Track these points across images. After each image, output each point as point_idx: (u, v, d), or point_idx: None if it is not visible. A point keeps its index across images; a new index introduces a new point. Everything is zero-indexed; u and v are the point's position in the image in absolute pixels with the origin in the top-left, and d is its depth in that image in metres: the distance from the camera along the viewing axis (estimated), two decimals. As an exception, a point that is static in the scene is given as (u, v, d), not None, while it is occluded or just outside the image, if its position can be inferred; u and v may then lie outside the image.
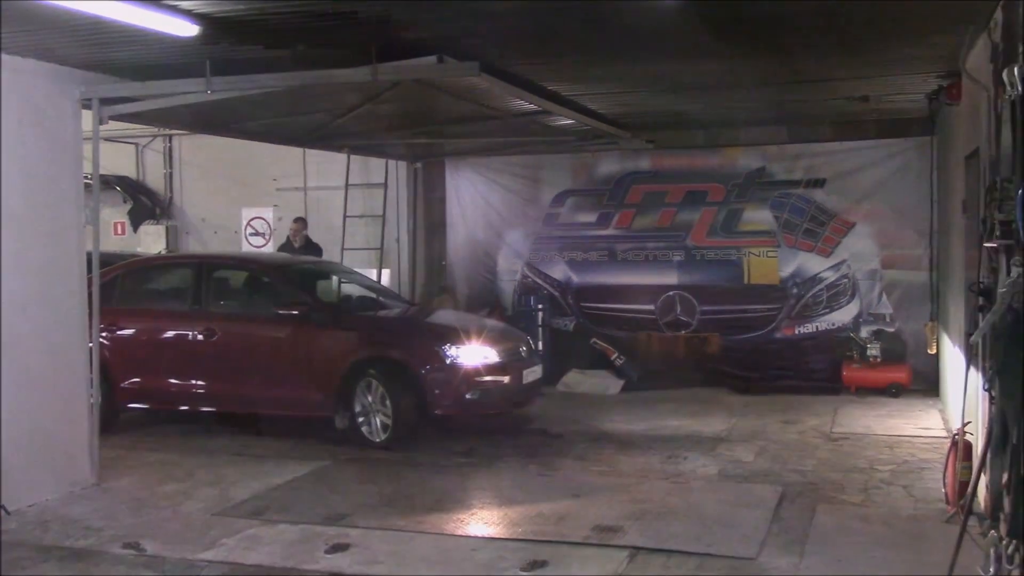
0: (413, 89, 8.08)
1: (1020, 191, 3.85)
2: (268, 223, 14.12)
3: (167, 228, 14.59)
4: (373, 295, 10.59)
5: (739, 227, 12.43)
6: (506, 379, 9.06)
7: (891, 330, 11.69)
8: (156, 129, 13.44)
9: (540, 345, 11.88)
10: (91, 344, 7.71)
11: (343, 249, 13.20)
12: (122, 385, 9.52)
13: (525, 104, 8.82)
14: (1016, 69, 4.63)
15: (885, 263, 11.82)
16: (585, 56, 7.68)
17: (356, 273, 11.40)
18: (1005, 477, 5.02)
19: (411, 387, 8.79)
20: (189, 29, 6.06)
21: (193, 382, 9.51)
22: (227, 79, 7.25)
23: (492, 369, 8.99)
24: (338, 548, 6.10)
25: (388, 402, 8.76)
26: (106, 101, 7.69)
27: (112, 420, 9.43)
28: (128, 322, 9.71)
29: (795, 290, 12.18)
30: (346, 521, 6.69)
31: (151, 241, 14.41)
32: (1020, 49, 4.90)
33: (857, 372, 11.40)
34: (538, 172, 13.34)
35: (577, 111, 9.66)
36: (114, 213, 14.44)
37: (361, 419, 8.88)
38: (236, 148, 12.68)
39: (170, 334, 9.66)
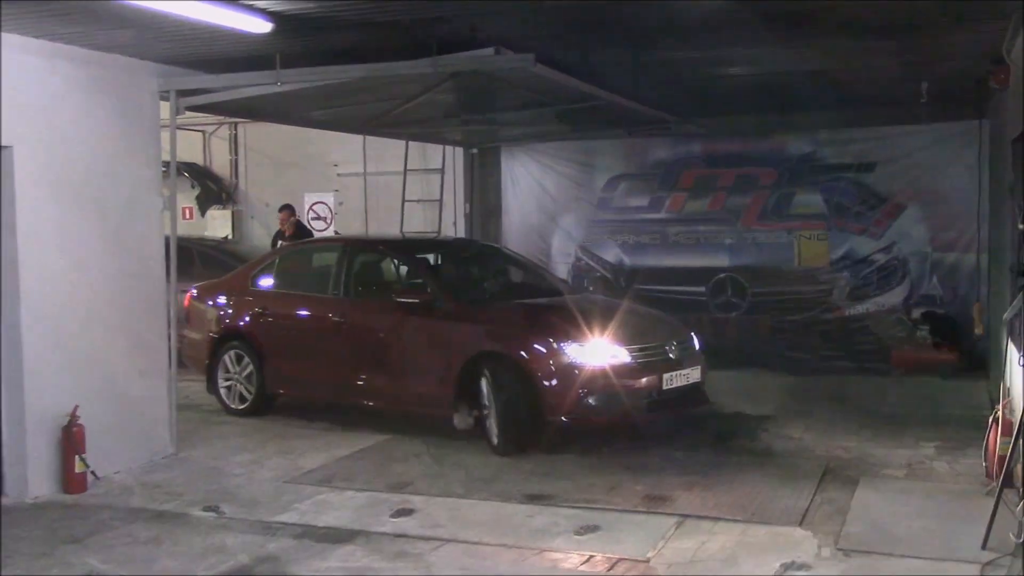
0: (471, 79, 8.40)
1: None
2: (330, 208, 14.58)
3: (232, 213, 15.13)
4: (531, 281, 10.07)
5: (790, 211, 12.62)
6: (638, 383, 7.92)
7: (941, 312, 11.81)
8: (222, 117, 13.95)
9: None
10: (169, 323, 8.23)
11: (401, 232, 13.58)
12: (270, 370, 9.43)
13: (579, 92, 9.10)
14: (1050, 58, 4.83)
15: (935, 245, 11.94)
16: (637, 44, 7.94)
17: (520, 258, 10.90)
18: (1037, 449, 5.26)
19: (524, 387, 7.91)
20: (263, 26, 6.46)
21: (328, 372, 9.15)
22: (296, 71, 7.64)
23: (621, 371, 7.86)
24: (402, 513, 6.51)
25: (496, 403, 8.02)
26: (182, 93, 8.15)
27: (267, 406, 9.60)
28: (277, 307, 9.59)
29: (846, 272, 12.34)
30: (409, 489, 7.10)
31: (218, 226, 14.95)
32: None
33: (907, 353, 11.55)
34: (591, 157, 13.63)
35: (629, 98, 9.90)
36: (182, 198, 14.94)
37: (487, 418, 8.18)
38: (298, 135, 13.12)
39: (309, 321, 9.39)
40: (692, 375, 8.40)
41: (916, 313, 11.88)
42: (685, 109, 11.23)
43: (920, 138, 11.88)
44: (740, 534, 5.99)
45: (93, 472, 7.16)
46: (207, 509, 6.68)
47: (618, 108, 9.90)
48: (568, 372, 7.81)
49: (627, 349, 7.99)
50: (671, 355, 8.27)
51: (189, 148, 15.01)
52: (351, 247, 9.60)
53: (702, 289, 12.95)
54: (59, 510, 6.69)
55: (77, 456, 7.03)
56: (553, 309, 8.74)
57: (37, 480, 6.97)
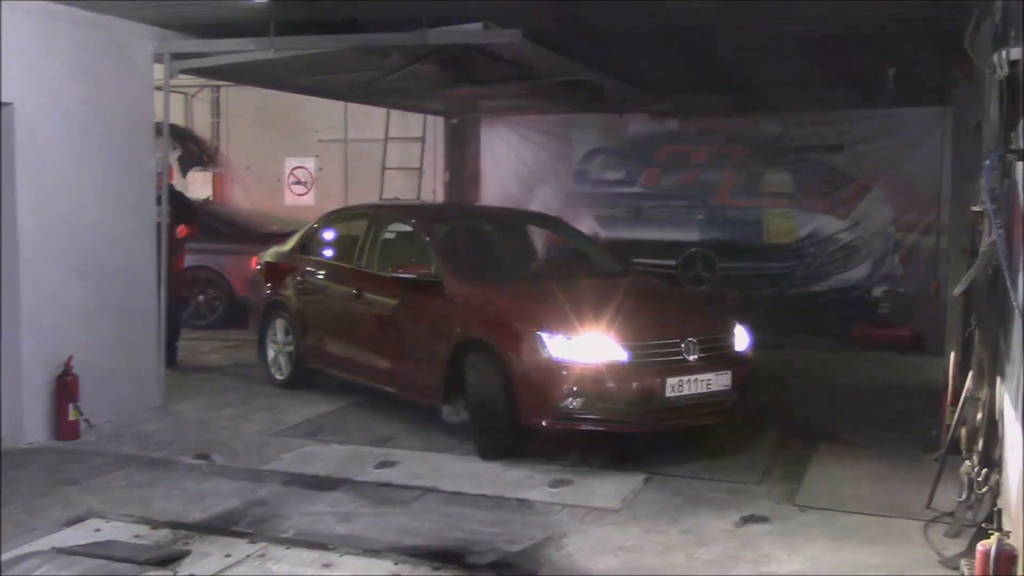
0: (456, 51, 8.67)
1: (987, 161, 4.45)
2: (310, 172, 14.81)
3: (213, 175, 15.30)
4: (575, 260, 9.34)
5: (760, 189, 13.03)
6: (631, 387, 6.76)
7: (901, 290, 12.28)
8: (205, 79, 14.09)
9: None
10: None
11: (380, 199, 13.84)
12: (303, 342, 9.04)
13: (561, 67, 9.39)
14: (1004, 53, 5.18)
15: (897, 226, 12.38)
16: (614, 21, 8.22)
17: (577, 233, 9.85)
18: (979, 415, 5.67)
19: (502, 383, 6.94)
20: (265, -5, 6.72)
21: (347, 349, 8.64)
22: (289, 39, 7.90)
23: (614, 371, 6.72)
24: (385, 464, 6.85)
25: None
26: (176, 56, 8.37)
27: (306, 381, 9.18)
28: (313, 277, 9.18)
29: (811, 250, 12.76)
30: (391, 443, 7.45)
31: (199, 187, 15.09)
32: (1011, 34, 5.45)
33: (867, 329, 12.01)
34: (569, 131, 13.98)
35: (609, 74, 10.20)
36: (165, 160, 15.12)
37: None
38: (280, 100, 13.30)
39: (335, 293, 8.82)
40: (716, 382, 7.00)
41: (877, 291, 12.35)
42: (662, 87, 11.55)
43: (886, 122, 12.30)
44: (705, 490, 6.38)
45: (87, 420, 7.41)
46: (198, 457, 6.98)
47: (598, 84, 10.21)
48: (549, 369, 6.76)
49: (624, 346, 6.81)
50: (686, 355, 6.97)
51: (171, 109, 15.09)
52: (380, 215, 9.11)
53: (673, 262, 13.31)
54: (54, 455, 6.97)
55: (71, 404, 7.30)
56: (551, 293, 7.53)
57: (32, 427, 7.23)
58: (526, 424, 6.91)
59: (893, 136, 12.28)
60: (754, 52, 9.37)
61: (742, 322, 7.75)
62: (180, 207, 10.06)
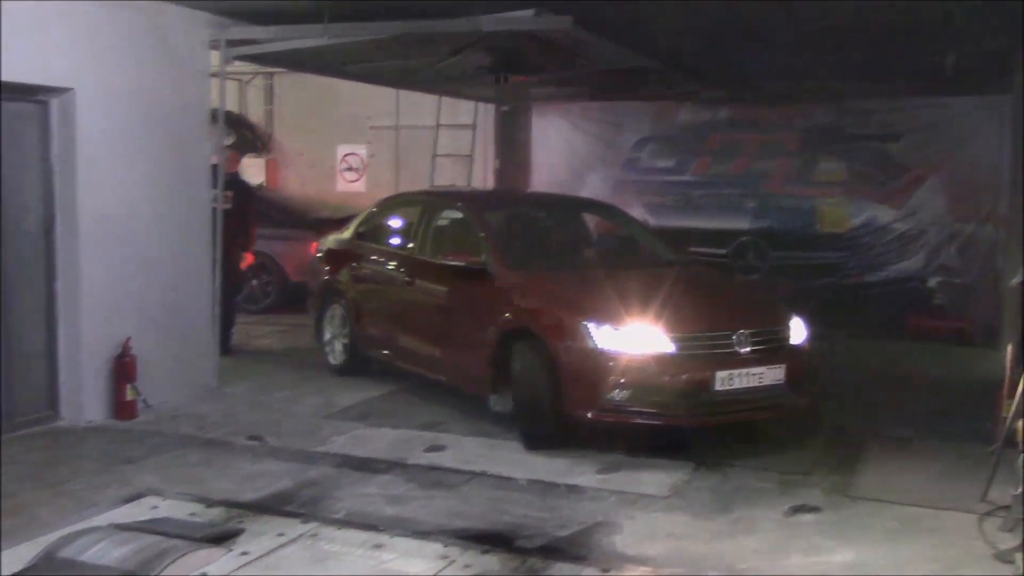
0: (508, 38, 8.68)
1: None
2: (362, 159, 14.91)
3: (266, 162, 15.46)
4: (628, 249, 9.21)
5: (813, 177, 12.90)
6: (680, 378, 6.57)
7: (957, 281, 12.08)
8: (258, 67, 14.24)
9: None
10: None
11: (431, 186, 13.90)
12: (358, 329, 9.02)
13: (612, 54, 9.35)
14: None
15: (955, 216, 12.19)
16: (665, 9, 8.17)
17: (632, 221, 9.68)
18: (1038, 407, 5.58)
19: (548, 373, 6.81)
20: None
21: (400, 336, 8.60)
22: (343, 26, 7.96)
23: (662, 363, 6.58)
24: (435, 448, 6.92)
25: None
26: (231, 43, 8.47)
27: (360, 366, 9.15)
28: (368, 263, 9.12)
29: (866, 239, 12.61)
30: (440, 428, 7.51)
31: (252, 173, 15.21)
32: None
33: (922, 320, 11.84)
34: (620, 119, 13.95)
35: (661, 62, 10.14)
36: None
37: None
38: (332, 87, 13.39)
39: (388, 280, 8.80)
40: (768, 375, 6.79)
41: (933, 282, 12.17)
42: (714, 75, 11.46)
43: (944, 111, 12.11)
44: (754, 479, 6.36)
45: (144, 400, 7.57)
46: (251, 438, 7.10)
47: (650, 71, 10.16)
48: (595, 360, 6.62)
49: (672, 337, 6.65)
50: (737, 348, 6.78)
51: (225, 96, 15.28)
52: (432, 201, 9.13)
53: (724, 251, 13.23)
54: (113, 434, 7.13)
55: (129, 384, 7.45)
56: (599, 283, 7.41)
57: (91, 406, 7.40)
58: (572, 415, 6.78)
59: (951, 125, 12.08)
60: (809, 39, 9.26)
61: (799, 313, 7.50)
62: (241, 194, 10.09)
